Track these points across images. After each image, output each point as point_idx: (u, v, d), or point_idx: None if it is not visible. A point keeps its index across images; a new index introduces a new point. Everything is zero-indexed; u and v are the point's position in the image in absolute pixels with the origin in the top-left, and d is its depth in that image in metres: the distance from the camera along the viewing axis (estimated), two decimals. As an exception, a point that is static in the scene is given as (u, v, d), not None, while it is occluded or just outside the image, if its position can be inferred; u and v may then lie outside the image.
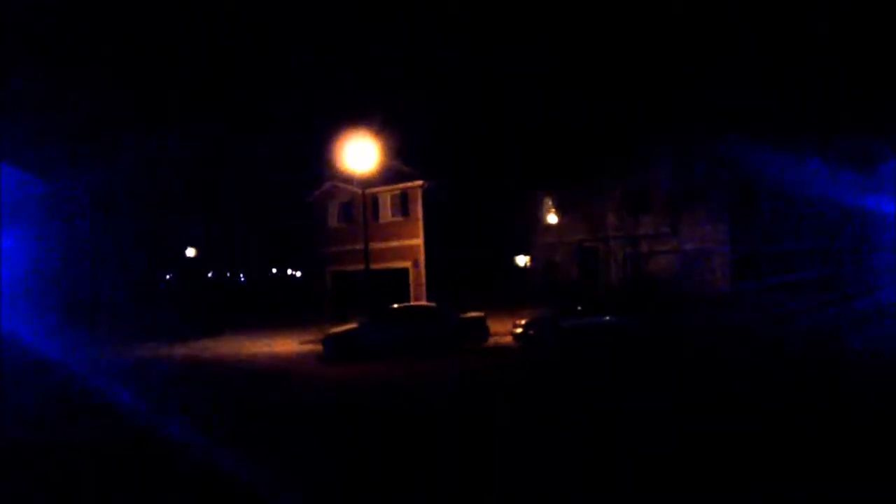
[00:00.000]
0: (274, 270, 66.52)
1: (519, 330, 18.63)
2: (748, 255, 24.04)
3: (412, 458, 7.89)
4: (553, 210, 29.54)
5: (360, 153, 21.70)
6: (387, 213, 30.88)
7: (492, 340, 19.44)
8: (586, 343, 17.50)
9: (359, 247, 26.75)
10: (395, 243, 30.01)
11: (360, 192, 24.03)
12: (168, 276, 44.55)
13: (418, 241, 29.32)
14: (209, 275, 51.84)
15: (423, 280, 28.85)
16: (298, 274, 63.20)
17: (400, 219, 30.28)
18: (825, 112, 24.38)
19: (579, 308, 18.67)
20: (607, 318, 18.05)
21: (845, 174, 26.47)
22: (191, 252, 36.84)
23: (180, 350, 22.87)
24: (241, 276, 64.29)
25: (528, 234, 31.08)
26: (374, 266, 30.34)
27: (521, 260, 32.51)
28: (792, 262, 26.03)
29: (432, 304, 21.85)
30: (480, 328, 19.35)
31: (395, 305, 20.90)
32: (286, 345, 22.96)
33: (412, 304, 25.08)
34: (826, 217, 28.05)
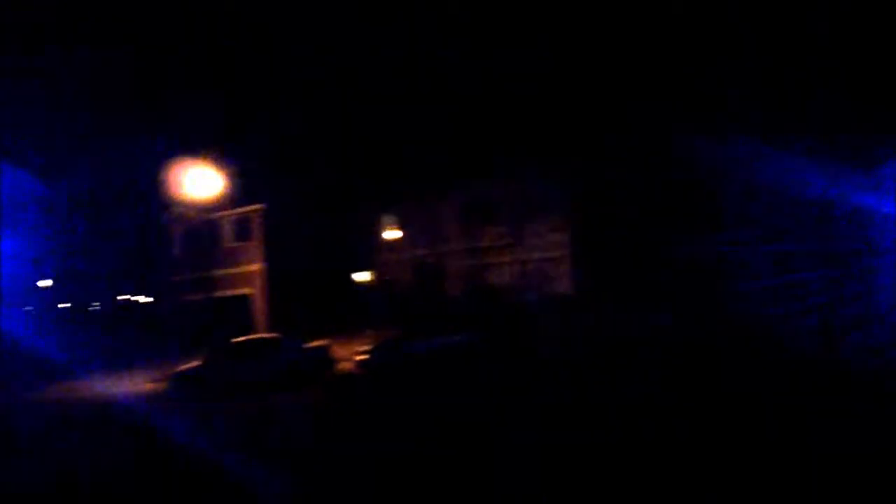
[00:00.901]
0: (127, 298, 62.16)
1: (363, 357, 18.07)
2: (597, 263, 24.25)
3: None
4: (394, 226, 29.26)
5: (200, 176, 20.88)
6: (228, 239, 29.56)
7: (339, 367, 18.83)
8: (432, 368, 17.18)
9: (204, 274, 25.52)
10: (237, 269, 28.69)
11: (203, 217, 23.05)
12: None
13: (259, 267, 28.21)
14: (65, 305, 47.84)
15: (265, 308, 27.69)
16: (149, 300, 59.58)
17: (241, 244, 29.01)
18: (814, 111, 24.32)
19: (423, 329, 18.36)
20: (453, 338, 17.82)
21: (833, 171, 26.22)
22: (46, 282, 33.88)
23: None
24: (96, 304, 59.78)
25: (372, 252, 30.63)
26: (219, 294, 29.00)
27: (364, 279, 32.03)
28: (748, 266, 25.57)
29: (275, 335, 20.88)
30: (325, 358, 18.67)
31: (237, 339, 19.81)
32: (134, 384, 21.14)
33: (254, 336, 24.02)
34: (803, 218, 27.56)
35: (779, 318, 20.83)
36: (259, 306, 28.00)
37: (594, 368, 14.69)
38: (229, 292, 28.79)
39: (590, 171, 23.27)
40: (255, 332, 25.07)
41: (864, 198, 27.30)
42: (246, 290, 28.47)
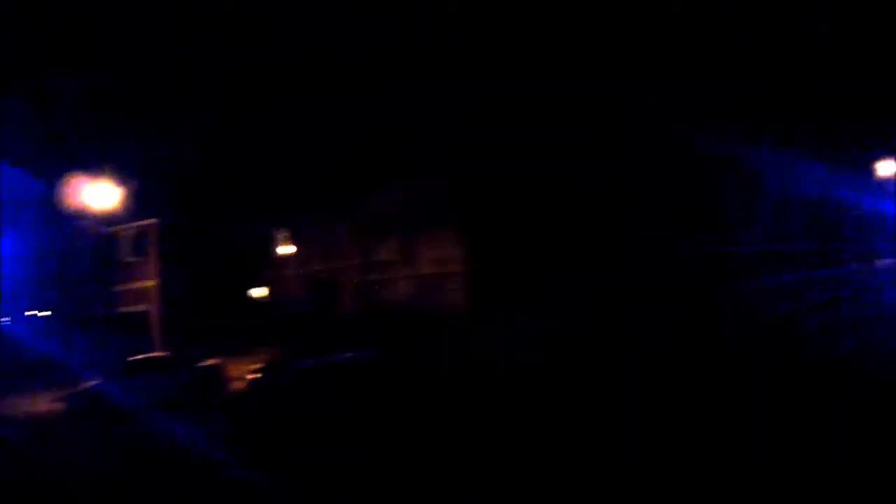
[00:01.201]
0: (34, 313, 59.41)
1: (254, 376, 17.80)
2: (491, 275, 23.69)
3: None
4: (289, 241, 28.91)
5: (99, 190, 20.65)
6: (127, 253, 28.69)
7: (231, 386, 18.52)
8: (322, 385, 16.96)
9: (107, 289, 25.01)
10: (135, 285, 27.92)
11: (104, 231, 22.76)
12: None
13: (155, 282, 27.58)
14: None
15: (160, 325, 27.01)
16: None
17: (138, 259, 28.19)
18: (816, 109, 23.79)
19: (316, 345, 18.20)
20: (346, 354, 17.66)
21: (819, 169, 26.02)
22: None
23: None
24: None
25: (269, 267, 30.32)
26: (121, 310, 28.15)
27: (260, 294, 31.49)
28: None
29: (167, 354, 20.44)
30: (217, 378, 18.38)
31: (131, 358, 19.32)
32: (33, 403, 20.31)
33: (146, 355, 23.43)
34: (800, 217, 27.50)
35: (769, 318, 20.22)
36: (155, 324, 27.31)
37: (489, 383, 14.72)
38: (130, 308, 27.99)
39: (482, 182, 23.38)
40: (154, 350, 24.43)
41: (865, 198, 27.34)
42: (143, 307, 27.71)
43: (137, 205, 27.02)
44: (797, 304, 21.69)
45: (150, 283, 27.57)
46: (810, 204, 27.40)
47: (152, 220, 27.50)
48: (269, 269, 29.93)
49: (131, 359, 19.26)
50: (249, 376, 17.84)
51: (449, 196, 24.64)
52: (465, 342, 19.49)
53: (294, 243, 28.36)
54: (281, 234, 29.26)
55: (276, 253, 28.87)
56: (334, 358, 17.32)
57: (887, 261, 27.07)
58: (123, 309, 28.00)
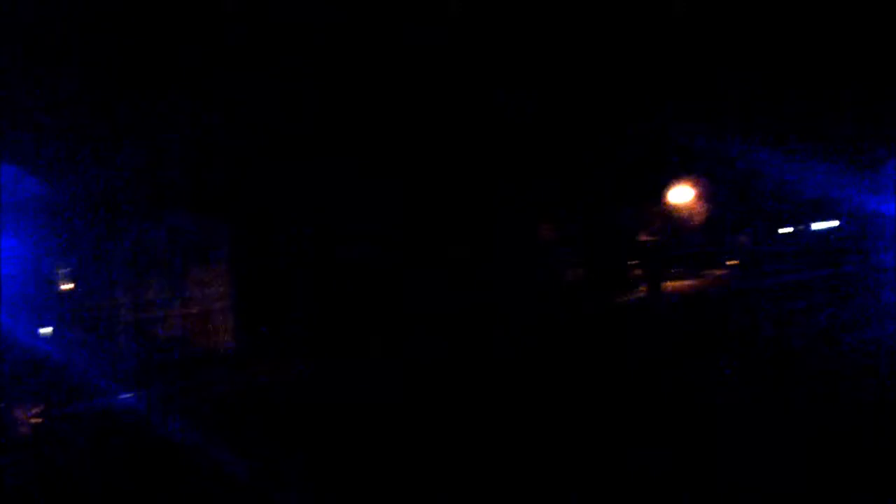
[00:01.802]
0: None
1: (37, 420, 16.48)
2: (261, 313, 21.10)
3: None
4: (67, 278, 27.59)
5: None
6: None
7: (20, 431, 17.36)
8: (93, 432, 15.32)
9: None
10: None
11: None
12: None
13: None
14: None
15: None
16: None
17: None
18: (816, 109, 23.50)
19: (87, 389, 16.54)
20: (120, 397, 15.87)
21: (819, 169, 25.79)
22: None
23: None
24: None
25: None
26: None
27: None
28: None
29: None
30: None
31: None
32: None
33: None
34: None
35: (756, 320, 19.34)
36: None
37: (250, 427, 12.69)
38: None
39: (254, 215, 20.31)
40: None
41: (865, 198, 26.30)
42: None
43: None
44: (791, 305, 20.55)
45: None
46: (810, 204, 25.02)
47: None
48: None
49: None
50: (33, 420, 16.77)
51: (220, 231, 21.87)
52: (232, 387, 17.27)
53: (72, 281, 27.23)
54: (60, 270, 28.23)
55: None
56: (105, 401, 15.81)
57: (887, 261, 25.39)
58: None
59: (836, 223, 26.30)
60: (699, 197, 22.57)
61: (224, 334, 21.93)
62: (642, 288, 19.66)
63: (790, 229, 26.93)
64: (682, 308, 20.66)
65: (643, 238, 22.09)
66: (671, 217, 22.18)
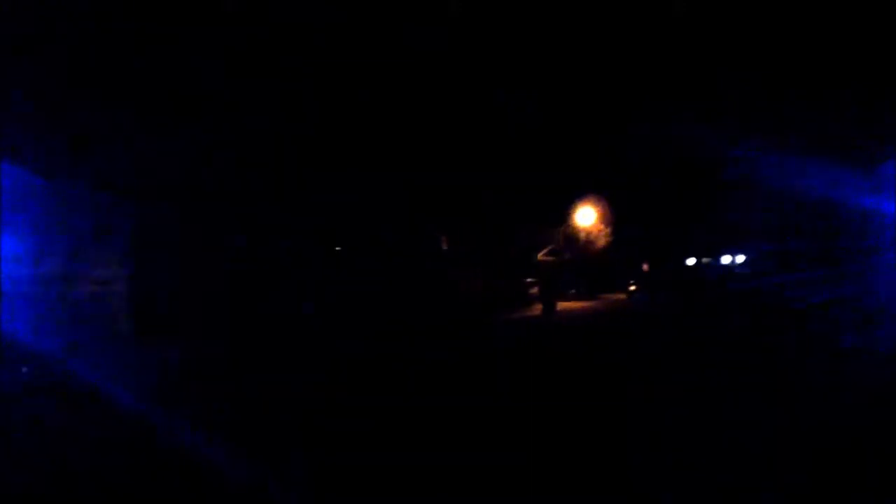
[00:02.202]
0: None
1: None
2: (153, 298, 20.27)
3: None
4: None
5: None
6: None
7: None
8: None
9: None
10: None
11: None
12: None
13: None
14: None
15: None
16: None
17: None
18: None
19: None
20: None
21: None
22: None
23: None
24: None
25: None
26: None
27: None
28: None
29: None
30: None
31: None
32: None
33: None
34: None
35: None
36: None
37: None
38: None
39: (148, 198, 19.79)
40: None
41: (865, 198, 26.44)
42: None
43: None
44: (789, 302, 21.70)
45: None
46: (809, 204, 26.97)
47: None
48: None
49: None
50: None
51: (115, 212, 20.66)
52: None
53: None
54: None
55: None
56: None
57: (887, 260, 26.12)
58: None
59: (741, 257, 26.92)
60: (603, 221, 22.86)
61: (114, 317, 21.31)
62: (537, 306, 19.57)
63: (693, 260, 27.54)
64: (569, 329, 20.36)
65: (542, 258, 22.20)
66: (574, 239, 22.42)
